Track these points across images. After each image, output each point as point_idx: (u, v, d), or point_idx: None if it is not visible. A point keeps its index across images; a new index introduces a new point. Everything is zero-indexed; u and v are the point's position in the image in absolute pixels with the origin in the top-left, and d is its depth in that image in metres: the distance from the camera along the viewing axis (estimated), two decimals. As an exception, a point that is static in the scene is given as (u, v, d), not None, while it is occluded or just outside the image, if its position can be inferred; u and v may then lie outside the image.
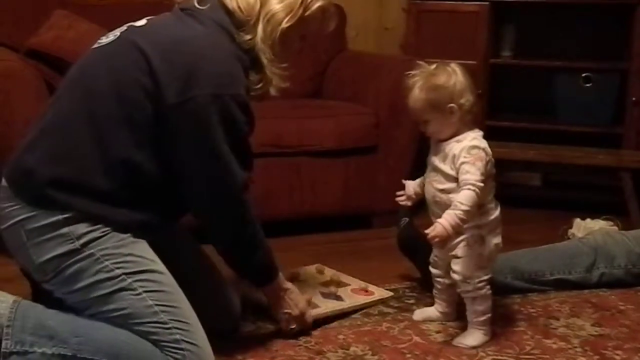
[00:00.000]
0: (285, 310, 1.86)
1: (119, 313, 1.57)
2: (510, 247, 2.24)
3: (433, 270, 2.01)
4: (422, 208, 2.00)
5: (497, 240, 1.88)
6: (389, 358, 1.81)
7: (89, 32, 2.70)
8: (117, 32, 1.68)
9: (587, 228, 2.62)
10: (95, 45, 1.70)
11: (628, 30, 3.25)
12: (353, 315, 2.05)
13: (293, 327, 1.88)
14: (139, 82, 1.58)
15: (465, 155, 1.79)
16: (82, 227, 1.55)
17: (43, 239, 1.56)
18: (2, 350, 1.57)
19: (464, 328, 1.93)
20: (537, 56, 3.47)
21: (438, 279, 2.00)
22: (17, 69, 2.42)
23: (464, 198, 1.74)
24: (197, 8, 1.68)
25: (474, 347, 1.86)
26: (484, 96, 3.26)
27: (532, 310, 2.13)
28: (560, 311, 2.12)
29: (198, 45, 1.61)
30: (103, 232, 1.57)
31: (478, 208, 1.80)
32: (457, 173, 1.80)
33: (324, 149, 2.81)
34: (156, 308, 1.57)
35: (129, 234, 1.60)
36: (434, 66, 1.89)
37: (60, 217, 1.55)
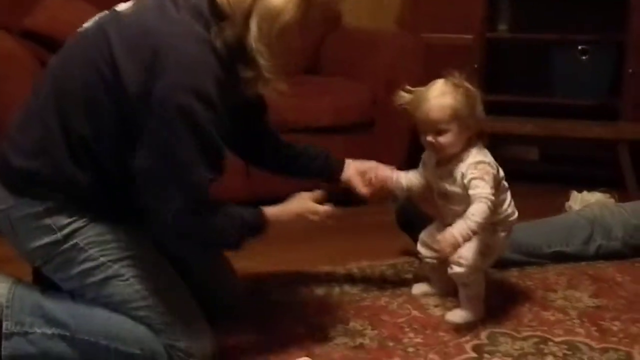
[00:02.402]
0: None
1: (110, 299, 1.58)
2: (508, 221, 2.24)
3: (422, 251, 2.00)
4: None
5: (506, 241, 1.91)
6: (388, 332, 1.82)
7: (84, 12, 2.67)
8: (97, 17, 1.59)
9: (584, 200, 2.63)
10: (78, 31, 1.60)
11: (624, 2, 3.24)
12: (352, 291, 2.07)
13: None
14: (100, 73, 1.49)
15: (472, 171, 1.77)
16: (63, 218, 1.54)
17: (28, 229, 1.55)
18: (3, 331, 1.58)
19: (462, 302, 1.94)
20: (534, 30, 3.46)
21: (427, 260, 2.00)
22: (13, 51, 2.42)
23: (476, 210, 1.71)
24: None
25: (460, 324, 1.85)
26: (481, 71, 3.26)
27: (529, 283, 2.14)
28: (557, 284, 2.14)
29: (166, 37, 1.45)
30: (84, 221, 1.55)
31: (491, 218, 1.78)
32: (467, 190, 1.77)
33: (321, 126, 2.81)
34: (145, 292, 1.57)
35: (111, 221, 1.58)
36: (456, 78, 1.81)
37: (40, 208, 1.53)
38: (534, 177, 3.25)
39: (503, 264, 2.20)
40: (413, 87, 1.88)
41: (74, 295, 1.60)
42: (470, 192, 1.76)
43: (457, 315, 1.88)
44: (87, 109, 1.51)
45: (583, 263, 2.27)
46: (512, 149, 3.45)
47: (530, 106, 3.36)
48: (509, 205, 1.89)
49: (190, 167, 1.47)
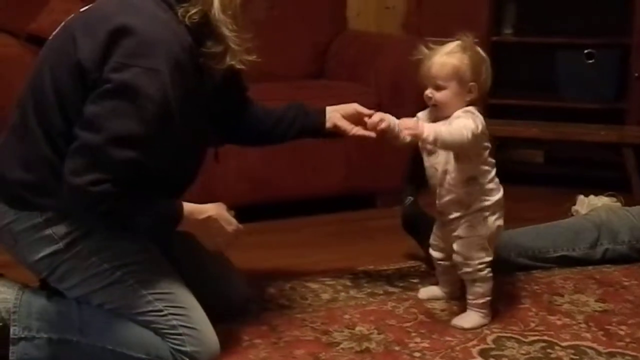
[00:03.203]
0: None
1: (115, 305, 1.58)
2: (514, 225, 2.24)
3: (433, 253, 2.00)
4: (426, 187, 2.00)
5: (499, 222, 1.88)
6: (394, 337, 1.82)
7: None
8: (63, 22, 1.63)
9: (590, 205, 2.62)
10: (49, 39, 1.64)
11: (630, 5, 3.22)
12: (358, 295, 2.07)
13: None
14: (66, 64, 1.51)
15: (459, 113, 1.78)
16: (63, 228, 1.55)
17: (30, 241, 1.56)
18: (10, 336, 1.58)
19: (468, 306, 1.94)
20: (539, 33, 3.45)
21: (439, 262, 2.00)
22: (16, 55, 2.42)
23: (454, 127, 1.71)
24: None
25: (470, 329, 1.85)
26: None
27: (536, 287, 2.13)
28: (564, 288, 2.13)
29: (124, 19, 1.48)
30: (85, 229, 1.56)
31: (470, 181, 1.81)
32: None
33: (327, 130, 2.80)
34: (150, 297, 1.57)
35: None
36: (467, 40, 1.84)
37: (40, 219, 1.54)
38: (539, 180, 3.24)
39: (509, 268, 2.20)
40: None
41: (80, 301, 1.60)
42: (454, 121, 1.75)
43: (464, 320, 1.88)
44: (59, 103, 1.51)
45: (589, 267, 2.27)
46: (517, 152, 3.44)
47: (535, 109, 3.35)
48: (491, 179, 1.87)
49: (123, 143, 1.44)
